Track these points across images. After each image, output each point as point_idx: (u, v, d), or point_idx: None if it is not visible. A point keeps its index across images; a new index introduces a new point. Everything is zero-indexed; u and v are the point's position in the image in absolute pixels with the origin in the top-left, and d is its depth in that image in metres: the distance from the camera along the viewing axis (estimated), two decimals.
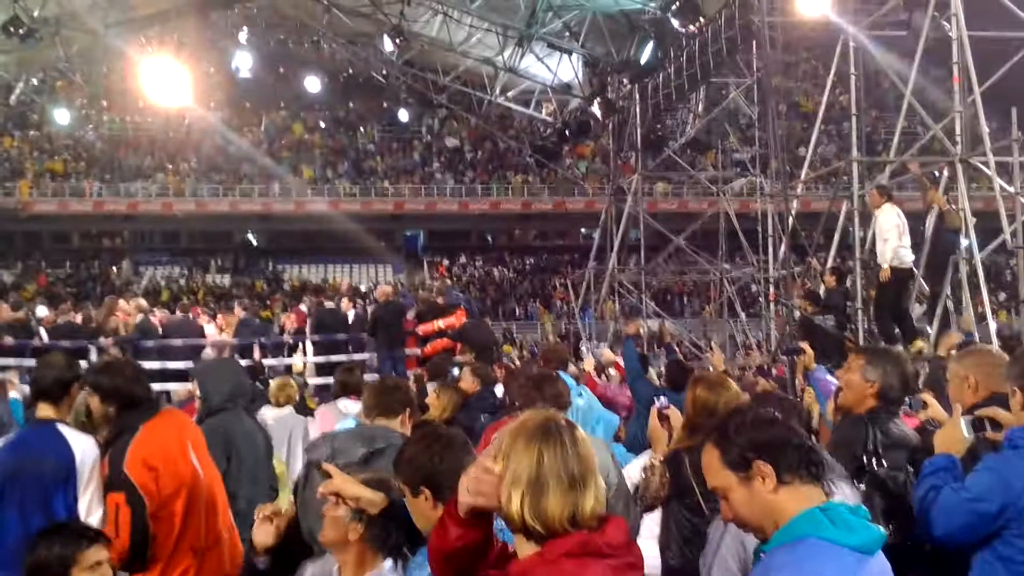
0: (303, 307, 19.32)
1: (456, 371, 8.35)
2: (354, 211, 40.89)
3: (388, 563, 3.42)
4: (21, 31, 19.52)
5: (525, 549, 2.45)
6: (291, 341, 17.32)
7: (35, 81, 24.90)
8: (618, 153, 26.69)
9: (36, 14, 20.37)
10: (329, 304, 17.90)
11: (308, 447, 4.70)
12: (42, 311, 17.55)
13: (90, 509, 4.56)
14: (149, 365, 14.16)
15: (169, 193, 42.46)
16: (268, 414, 8.46)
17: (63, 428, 4.70)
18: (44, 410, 4.74)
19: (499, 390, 7.83)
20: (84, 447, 4.65)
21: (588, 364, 11.24)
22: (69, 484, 4.56)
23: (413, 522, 3.24)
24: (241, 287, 41.39)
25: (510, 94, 23.34)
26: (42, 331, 14.82)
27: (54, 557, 3.52)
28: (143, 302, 16.62)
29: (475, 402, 7.74)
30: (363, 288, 39.99)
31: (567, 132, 22.87)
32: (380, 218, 42.29)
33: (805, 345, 6.29)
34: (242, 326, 15.88)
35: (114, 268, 43.65)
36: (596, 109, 21.22)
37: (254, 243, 46.97)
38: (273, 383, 9.52)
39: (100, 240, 46.11)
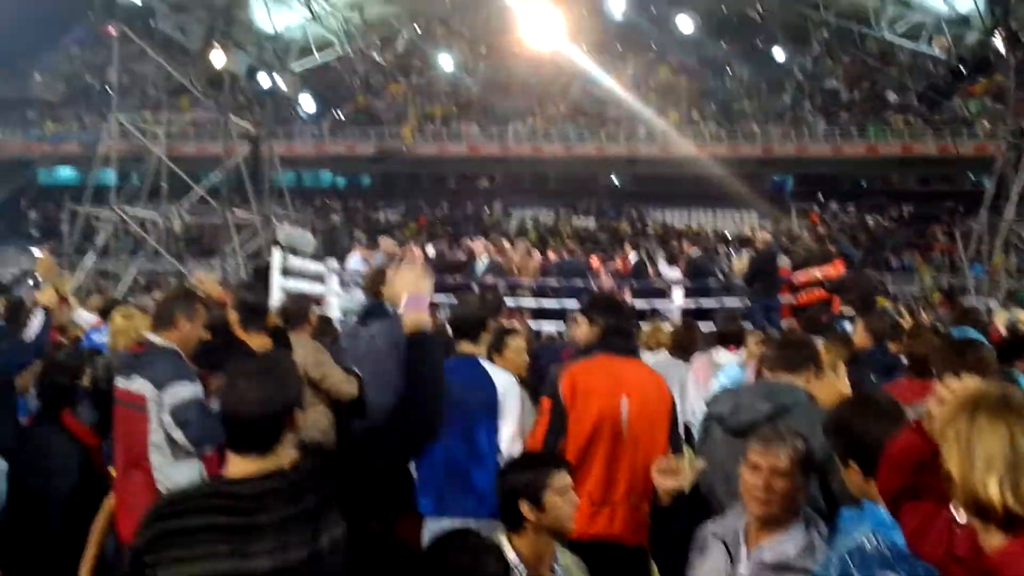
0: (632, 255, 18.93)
1: (847, 324, 7.86)
2: (720, 155, 40.21)
3: (800, 523, 3.33)
4: None
5: (992, 538, 2.12)
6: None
7: (418, 29, 26.32)
8: (1019, 92, 24.12)
9: None
10: (699, 251, 17.66)
11: (710, 401, 4.49)
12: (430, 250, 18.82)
13: (511, 442, 4.66)
14: (526, 303, 14.85)
15: (538, 136, 43.85)
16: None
17: (485, 363, 4.87)
18: (465, 346, 4.94)
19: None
20: (505, 381, 4.83)
21: (999, 321, 10.13)
22: (492, 416, 4.72)
23: None
24: (605, 230, 42.08)
25: (898, 28, 21.62)
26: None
27: (527, 480, 3.62)
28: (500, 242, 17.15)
29: (866, 359, 7.26)
30: (727, 234, 39.50)
31: (962, 69, 20.86)
32: (747, 162, 41.24)
33: None
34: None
35: (486, 208, 45.76)
36: (998, 42, 19.19)
37: (619, 186, 47.47)
38: (644, 327, 9.39)
39: (474, 181, 48.49)
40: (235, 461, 2.66)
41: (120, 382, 4.74)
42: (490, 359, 5.38)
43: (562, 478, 3.62)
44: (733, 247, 31.27)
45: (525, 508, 3.52)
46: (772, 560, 3.26)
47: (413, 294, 3.10)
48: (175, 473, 4.51)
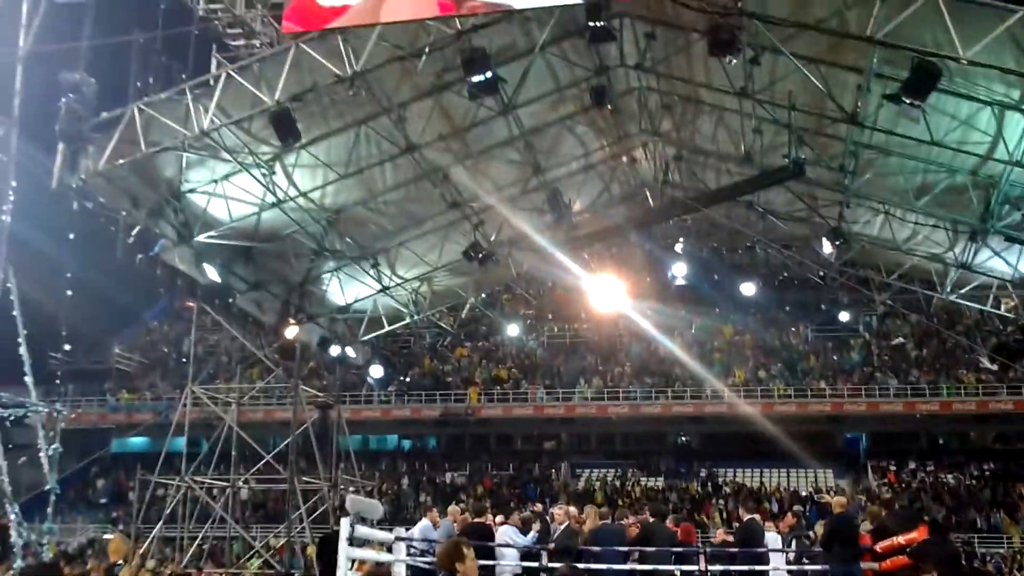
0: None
1: None
2: (789, 413, 39.80)
3: None
4: (480, 255, 21.30)
5: None
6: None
7: (484, 295, 27.14)
8: None
9: (493, 239, 22.20)
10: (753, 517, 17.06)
11: None
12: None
13: None
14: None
15: (604, 397, 43.90)
16: None
17: None
18: None
19: None
20: None
21: None
22: None
23: None
24: (675, 490, 41.22)
25: (962, 291, 21.69)
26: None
27: None
28: (570, 509, 16.61)
29: None
30: (803, 494, 38.41)
31: None
32: (817, 420, 40.77)
33: None
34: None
35: (553, 470, 45.25)
36: None
37: (687, 445, 46.88)
38: None
39: (540, 443, 48.20)
40: None
41: None
42: None
43: None
44: (809, 507, 30.32)
45: None
46: None
47: None
48: None
